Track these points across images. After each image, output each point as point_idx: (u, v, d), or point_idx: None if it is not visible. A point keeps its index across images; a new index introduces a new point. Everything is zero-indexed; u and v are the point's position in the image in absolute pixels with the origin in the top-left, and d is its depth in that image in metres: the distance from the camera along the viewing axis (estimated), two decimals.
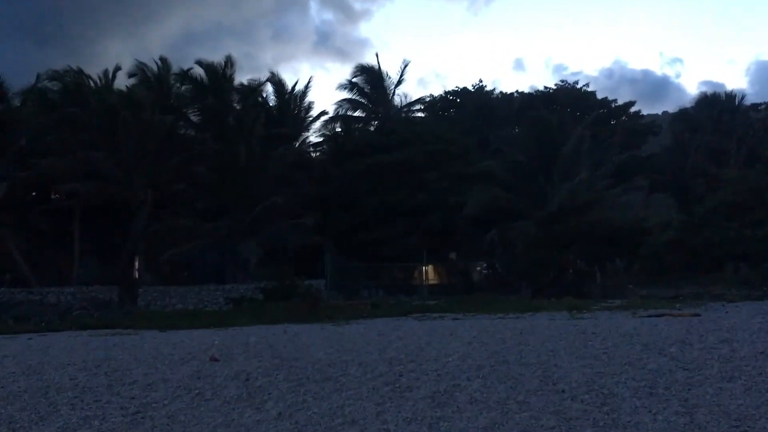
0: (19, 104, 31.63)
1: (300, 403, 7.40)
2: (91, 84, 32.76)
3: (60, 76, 31.75)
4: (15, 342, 15.58)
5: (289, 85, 38.44)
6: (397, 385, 8.10)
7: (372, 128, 42.32)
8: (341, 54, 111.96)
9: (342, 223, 34.10)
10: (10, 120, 30.24)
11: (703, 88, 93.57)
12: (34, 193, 32.49)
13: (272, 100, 38.27)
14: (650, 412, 6.37)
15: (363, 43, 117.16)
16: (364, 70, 42.61)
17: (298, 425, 6.51)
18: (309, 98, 38.91)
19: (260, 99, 36.66)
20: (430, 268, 36.37)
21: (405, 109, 44.42)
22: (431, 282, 35.79)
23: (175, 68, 34.54)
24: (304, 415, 6.87)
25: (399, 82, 42.88)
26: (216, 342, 12.81)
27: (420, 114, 46.67)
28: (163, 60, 34.40)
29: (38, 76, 31.53)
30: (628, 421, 6.09)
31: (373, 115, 43.11)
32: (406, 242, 33.53)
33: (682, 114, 47.55)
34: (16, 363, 11.41)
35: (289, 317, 20.66)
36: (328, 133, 40.87)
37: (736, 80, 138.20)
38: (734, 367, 8.25)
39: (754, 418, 6.00)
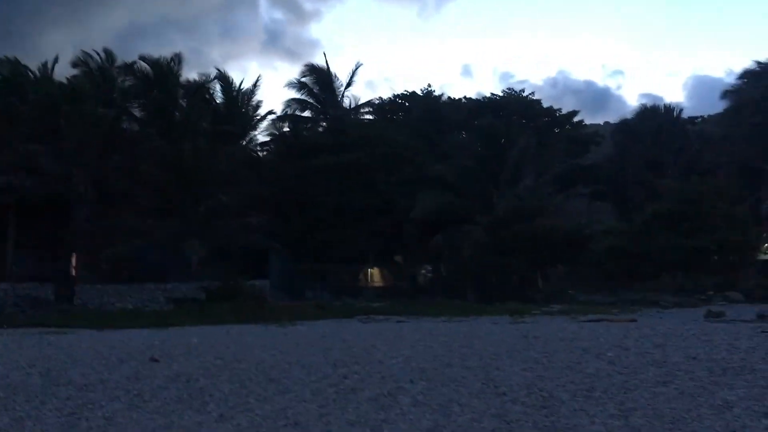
0: None
1: (242, 404, 7.32)
2: (30, 75, 31.76)
3: None
4: None
5: (237, 82, 38.00)
6: (341, 387, 8.10)
7: (321, 129, 42.20)
8: (290, 54, 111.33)
9: (289, 223, 33.90)
10: None
11: (643, 100, 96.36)
12: None
13: (219, 98, 37.73)
14: (588, 414, 6.52)
15: (313, 44, 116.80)
16: (313, 71, 42.44)
17: (240, 427, 6.45)
18: (257, 97, 38.49)
19: (207, 96, 36.10)
20: (375, 270, 36.48)
21: (354, 111, 44.41)
22: (377, 284, 35.92)
23: (119, 62, 33.71)
24: (246, 416, 6.80)
25: (349, 84, 42.84)
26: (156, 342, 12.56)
27: (369, 116, 46.72)
28: (107, 52, 33.53)
29: None
30: (567, 424, 6.23)
31: (321, 116, 42.99)
32: (354, 244, 33.52)
33: (623, 125, 48.88)
34: None
35: (232, 318, 20.42)
36: (276, 132, 40.59)
37: (674, 94, 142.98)
38: (667, 372, 8.52)
39: (686, 421, 6.21)
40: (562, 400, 7.12)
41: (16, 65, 31.51)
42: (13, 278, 28.71)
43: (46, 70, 32.52)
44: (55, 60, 32.79)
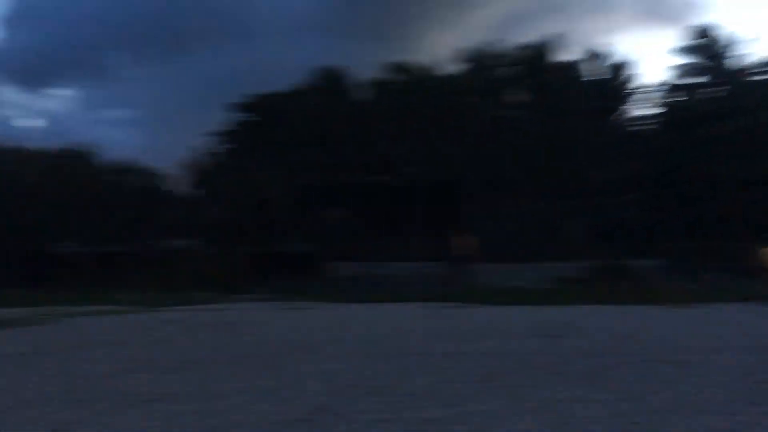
0: (362, 97, 35.46)
1: (644, 385, 7.18)
2: (423, 73, 35.29)
3: (396, 68, 34.82)
4: (368, 310, 17.66)
5: (611, 56, 36.96)
6: (756, 379, 7.40)
7: (710, 95, 38.72)
8: (668, 19, 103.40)
9: (676, 199, 31.93)
10: (354, 110, 34.03)
11: None
12: (376, 177, 36.07)
13: (594, 74, 37.22)
14: None
15: (690, 5, 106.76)
16: (697, 33, 39.12)
17: (643, 408, 6.31)
18: (634, 69, 37.03)
19: (581, 74, 35.95)
20: None
21: (748, 73, 39.71)
22: None
23: (497, 51, 35.52)
24: (651, 398, 6.65)
25: (740, 43, 38.48)
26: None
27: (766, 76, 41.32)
28: (486, 45, 35.61)
29: (377, 70, 35.06)
30: None
31: (710, 81, 39.38)
32: (751, 219, 30.22)
33: None
34: (366, 329, 12.95)
35: (617, 298, 20.09)
36: (656, 103, 38.52)
37: None
38: None
39: None
40: None
41: (410, 66, 35.37)
42: (414, 258, 32.38)
43: (433, 69, 35.88)
44: (443, 58, 36.08)
